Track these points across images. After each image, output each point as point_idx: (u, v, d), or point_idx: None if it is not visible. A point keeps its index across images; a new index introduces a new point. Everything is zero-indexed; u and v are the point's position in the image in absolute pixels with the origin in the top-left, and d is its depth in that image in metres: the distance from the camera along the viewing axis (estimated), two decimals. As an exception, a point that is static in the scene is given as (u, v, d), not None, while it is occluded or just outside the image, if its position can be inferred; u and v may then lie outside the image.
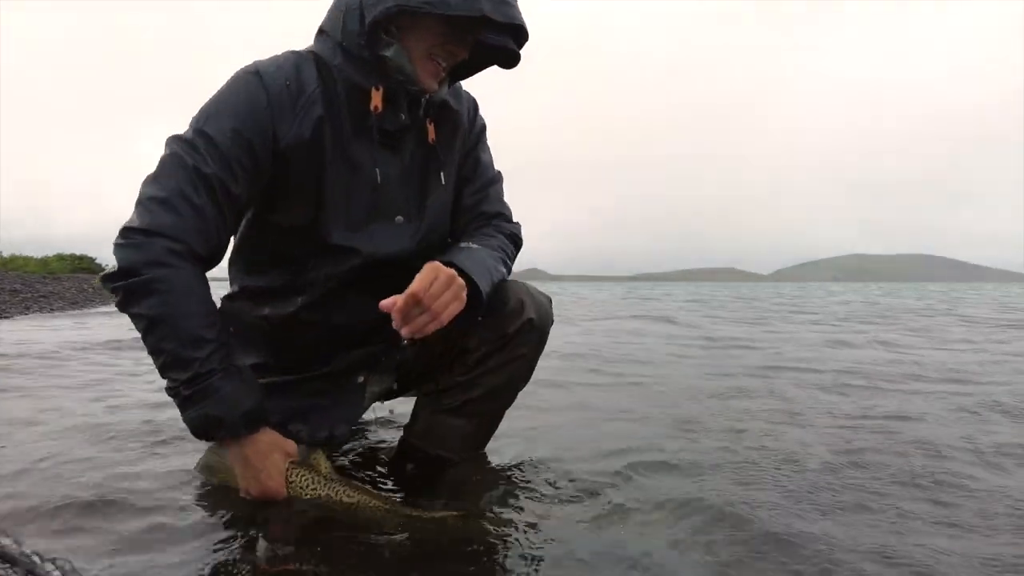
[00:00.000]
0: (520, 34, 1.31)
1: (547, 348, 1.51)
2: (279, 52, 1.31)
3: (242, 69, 1.27)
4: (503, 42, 1.31)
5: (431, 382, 1.55)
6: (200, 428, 1.18)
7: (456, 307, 1.22)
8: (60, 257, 20.65)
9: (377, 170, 1.31)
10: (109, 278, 1.17)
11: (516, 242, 1.52)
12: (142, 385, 2.79)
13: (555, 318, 1.54)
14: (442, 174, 1.41)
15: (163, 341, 1.15)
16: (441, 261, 1.26)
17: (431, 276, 1.19)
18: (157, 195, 1.17)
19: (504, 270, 1.42)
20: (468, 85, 1.48)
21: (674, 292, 27.15)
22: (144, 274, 1.13)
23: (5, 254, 18.98)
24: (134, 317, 1.16)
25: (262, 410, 1.23)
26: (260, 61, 1.27)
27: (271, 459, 1.25)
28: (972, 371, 3.42)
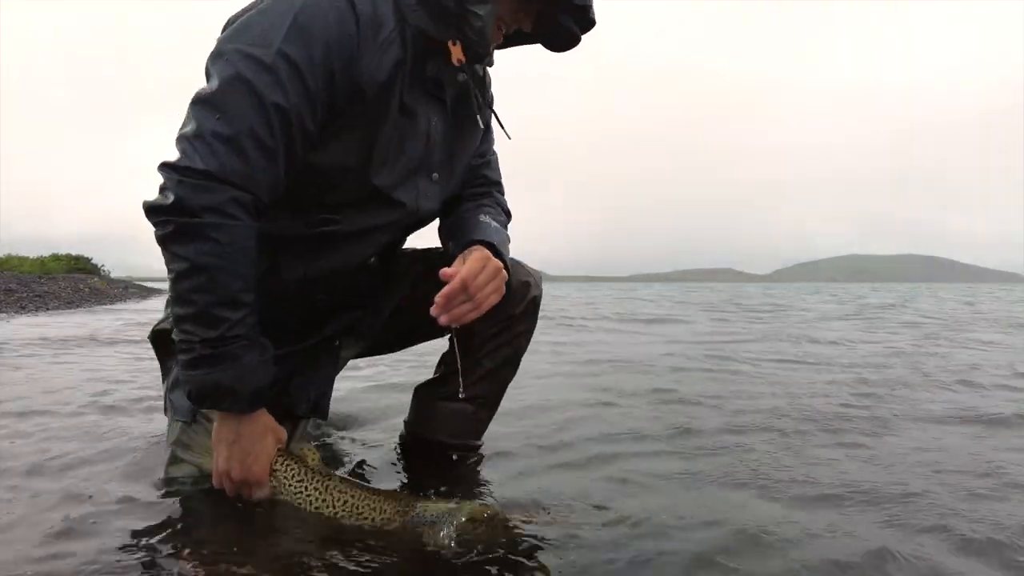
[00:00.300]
0: (586, 20, 1.28)
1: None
2: None
3: None
4: (569, 25, 1.28)
5: (404, 347, 1.60)
6: (204, 392, 1.08)
7: (495, 299, 1.22)
8: (56, 257, 20.75)
9: (432, 123, 1.27)
10: (158, 209, 1.04)
11: (509, 214, 1.53)
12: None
13: None
14: (475, 138, 1.40)
15: (198, 292, 1.04)
16: (480, 241, 1.26)
17: (480, 265, 1.18)
18: (224, 132, 1.03)
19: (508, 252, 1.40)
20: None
21: (653, 291, 27.28)
22: (202, 217, 1.02)
23: (1, 254, 19.11)
24: (175, 257, 1.05)
25: (268, 391, 1.15)
26: None
27: (263, 443, 1.15)
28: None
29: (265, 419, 1.17)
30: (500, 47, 1.36)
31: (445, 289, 1.16)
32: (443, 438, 1.53)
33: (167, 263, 1.07)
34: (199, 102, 1.06)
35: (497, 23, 1.23)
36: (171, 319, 1.10)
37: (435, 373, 1.59)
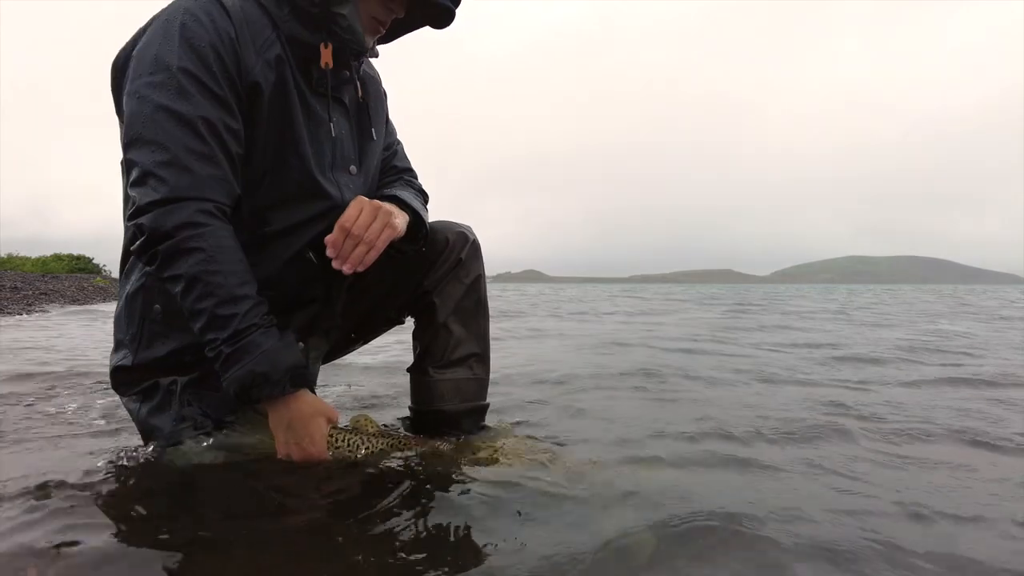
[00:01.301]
0: None
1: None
2: None
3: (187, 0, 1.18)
4: (440, 1, 1.33)
5: (370, 336, 1.64)
6: (245, 386, 1.13)
7: (388, 233, 1.25)
8: (58, 257, 20.85)
9: (334, 121, 1.32)
10: (142, 248, 1.13)
11: (425, 195, 1.56)
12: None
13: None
14: (374, 131, 1.44)
15: (201, 300, 1.11)
16: (384, 196, 1.33)
17: (356, 208, 1.23)
18: (163, 159, 1.11)
19: (426, 213, 1.45)
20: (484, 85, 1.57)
21: (645, 291, 27.44)
22: (177, 236, 1.10)
23: (3, 253, 19.21)
24: (171, 280, 1.13)
25: (306, 369, 1.19)
26: None
27: (314, 423, 1.21)
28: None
29: (312, 400, 1.21)
30: (386, 39, 1.43)
31: (327, 238, 1.22)
32: (454, 406, 1.52)
33: (170, 289, 1.14)
34: (131, 146, 1.13)
35: (371, 17, 1.29)
36: (197, 335, 1.14)
37: (415, 351, 1.60)
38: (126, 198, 1.23)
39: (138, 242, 1.13)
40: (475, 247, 1.57)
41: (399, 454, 1.31)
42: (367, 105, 1.42)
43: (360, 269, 1.24)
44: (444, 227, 1.55)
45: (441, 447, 1.34)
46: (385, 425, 1.57)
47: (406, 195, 1.40)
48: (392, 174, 1.55)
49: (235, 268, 1.14)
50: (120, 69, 1.22)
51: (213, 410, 1.28)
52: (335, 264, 1.24)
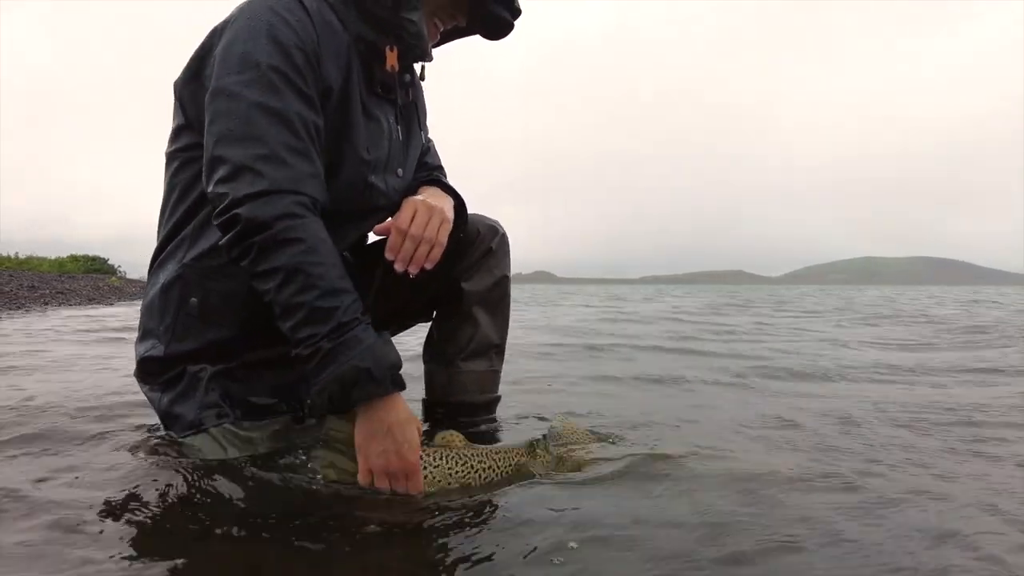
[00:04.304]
0: (514, 8, 1.37)
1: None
2: None
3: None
4: (500, 13, 1.35)
5: (398, 331, 1.59)
6: (347, 384, 1.05)
7: (446, 227, 1.26)
8: (74, 258, 21.20)
9: (389, 124, 1.34)
10: (236, 240, 1.08)
11: (456, 196, 1.52)
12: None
13: None
14: (422, 133, 1.48)
15: (301, 293, 1.05)
16: (424, 181, 1.36)
17: (411, 210, 1.24)
18: (262, 152, 1.09)
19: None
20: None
21: (634, 294, 27.45)
22: (275, 227, 1.06)
23: (22, 255, 19.60)
24: (267, 274, 1.07)
25: (400, 371, 1.11)
26: None
27: (411, 428, 1.10)
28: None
29: (405, 405, 1.13)
30: (438, 44, 1.44)
31: (388, 243, 1.22)
32: (472, 397, 1.55)
33: (262, 285, 1.09)
34: (220, 143, 1.11)
35: (434, 22, 1.32)
36: (288, 333, 1.09)
37: (433, 339, 1.61)
38: (170, 190, 1.28)
39: (230, 234, 1.09)
40: (504, 240, 1.60)
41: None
42: (415, 106, 1.45)
43: (428, 267, 1.23)
44: (475, 220, 1.58)
45: (526, 458, 1.22)
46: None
47: (443, 182, 1.44)
48: (423, 171, 1.54)
49: (335, 260, 1.10)
50: (196, 67, 1.22)
51: (239, 401, 1.27)
52: (398, 267, 1.22)
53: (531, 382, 2.46)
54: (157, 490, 1.11)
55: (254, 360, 1.29)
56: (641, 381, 2.57)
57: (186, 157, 1.27)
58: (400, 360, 1.11)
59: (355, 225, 1.34)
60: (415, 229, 1.21)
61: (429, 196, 1.33)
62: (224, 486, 1.12)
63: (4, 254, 18.87)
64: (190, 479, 1.14)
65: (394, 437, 1.08)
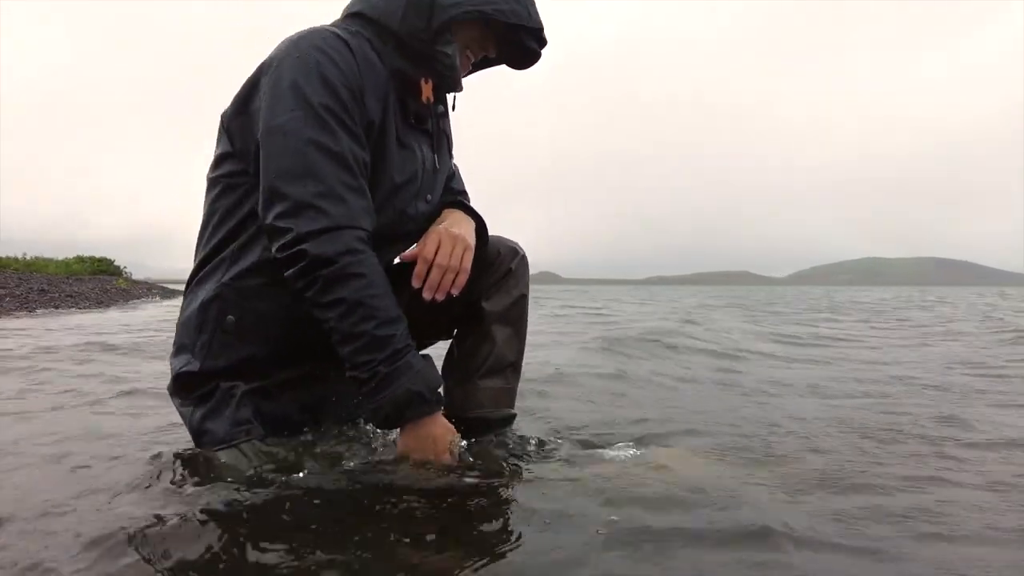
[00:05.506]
0: (541, 38, 1.43)
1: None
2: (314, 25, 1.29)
3: (317, 37, 1.23)
4: (530, 44, 1.42)
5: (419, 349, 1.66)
6: (402, 405, 1.19)
7: (469, 254, 1.34)
8: (80, 259, 21.25)
9: (422, 152, 1.40)
10: (302, 274, 1.17)
11: (480, 221, 1.56)
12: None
13: None
14: (450, 160, 1.54)
15: (362, 323, 1.16)
16: (448, 203, 1.43)
17: (435, 241, 1.31)
18: (320, 190, 1.17)
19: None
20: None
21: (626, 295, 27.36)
22: (340, 261, 1.16)
23: (29, 256, 19.66)
24: (331, 304, 1.17)
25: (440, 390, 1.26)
26: (319, 31, 1.25)
27: (448, 440, 1.28)
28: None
29: (443, 418, 1.28)
30: (468, 74, 1.46)
31: (415, 271, 1.30)
32: (487, 413, 1.56)
33: (325, 314, 1.18)
34: (280, 179, 1.18)
35: (466, 54, 1.37)
36: (347, 358, 1.19)
37: (451, 356, 1.63)
38: (211, 213, 1.32)
39: (296, 268, 1.17)
40: (523, 260, 1.63)
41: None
42: (445, 135, 1.50)
43: (455, 293, 1.32)
44: (496, 241, 1.60)
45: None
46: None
47: (468, 204, 1.50)
48: (448, 195, 1.57)
49: (389, 291, 1.21)
50: (244, 100, 1.27)
51: (270, 418, 1.32)
52: (426, 294, 1.31)
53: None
54: (186, 504, 1.12)
55: (283, 379, 1.35)
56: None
57: (228, 183, 1.32)
58: (440, 380, 1.26)
59: (386, 250, 1.38)
60: (440, 259, 1.29)
61: (452, 222, 1.39)
62: (249, 497, 1.14)
63: (11, 255, 18.96)
64: (219, 494, 1.16)
65: (438, 446, 1.26)
